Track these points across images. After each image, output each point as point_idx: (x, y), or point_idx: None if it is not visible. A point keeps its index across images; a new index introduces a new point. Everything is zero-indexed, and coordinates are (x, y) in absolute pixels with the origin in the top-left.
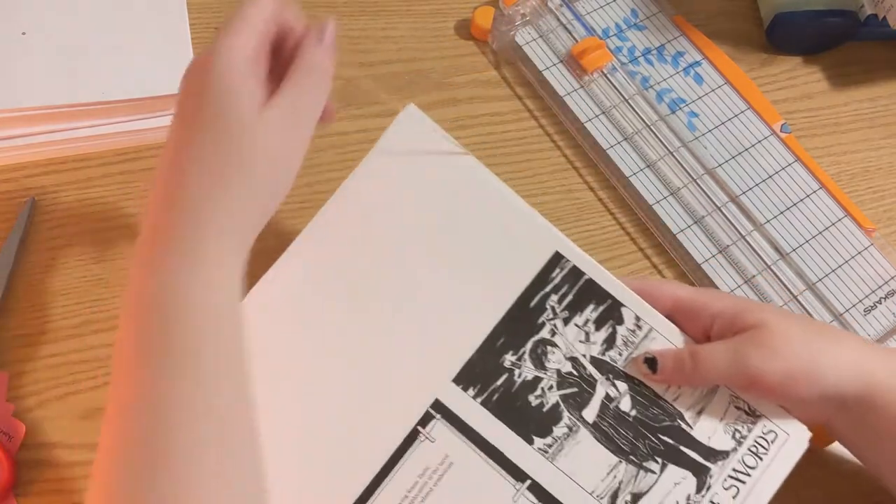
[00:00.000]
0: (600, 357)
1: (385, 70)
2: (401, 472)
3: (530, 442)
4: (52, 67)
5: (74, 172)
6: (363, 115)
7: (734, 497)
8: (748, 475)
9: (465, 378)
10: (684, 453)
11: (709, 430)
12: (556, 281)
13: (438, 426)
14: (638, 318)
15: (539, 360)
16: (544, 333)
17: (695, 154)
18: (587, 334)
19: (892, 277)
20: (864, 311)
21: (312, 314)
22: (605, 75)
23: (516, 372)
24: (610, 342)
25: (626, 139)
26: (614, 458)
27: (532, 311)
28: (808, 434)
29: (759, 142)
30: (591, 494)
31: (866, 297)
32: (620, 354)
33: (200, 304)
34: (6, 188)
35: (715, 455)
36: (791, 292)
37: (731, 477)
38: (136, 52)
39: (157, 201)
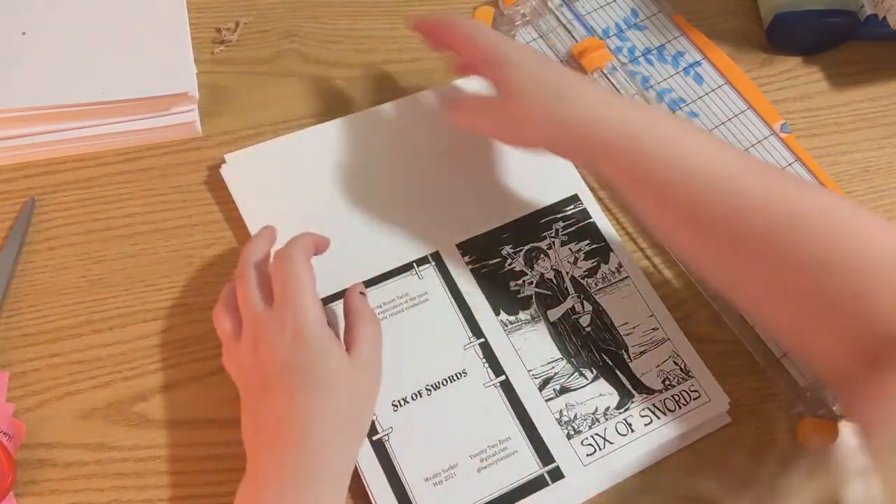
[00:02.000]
0: (579, 279)
1: (385, 70)
2: (387, 286)
3: (497, 313)
4: (52, 67)
5: (74, 172)
6: None
7: (646, 425)
8: (664, 414)
9: (467, 247)
10: (617, 375)
11: (644, 367)
12: (567, 213)
13: (430, 270)
14: (620, 265)
15: (530, 261)
16: (542, 244)
17: None
18: (576, 259)
19: None
20: None
21: (370, 158)
22: (606, 75)
23: (508, 261)
24: (592, 272)
25: None
26: (558, 354)
27: (539, 225)
28: (727, 401)
29: (759, 142)
30: (528, 371)
31: None
32: (596, 284)
33: None
34: (6, 188)
35: (642, 388)
36: None
37: (650, 410)
38: (136, 52)
39: (276, 448)
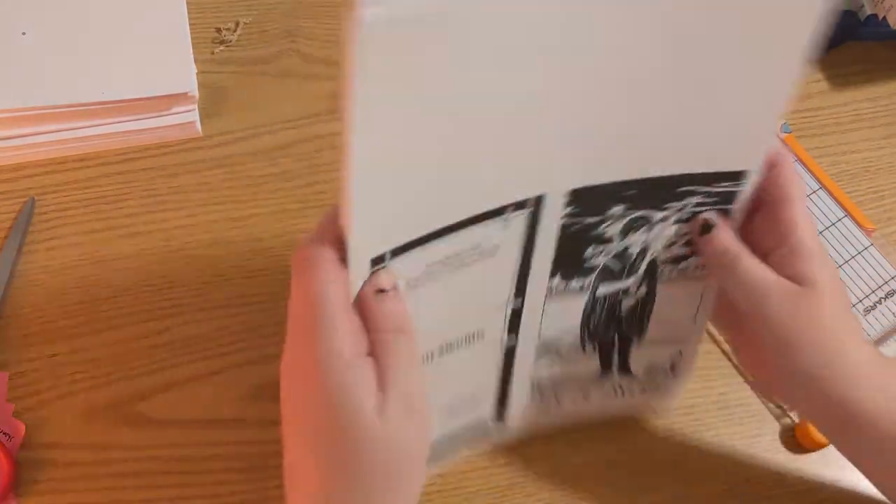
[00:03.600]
0: (659, 263)
1: None
2: (461, 234)
3: (553, 276)
4: (52, 67)
5: (74, 172)
6: None
7: (603, 400)
8: (621, 394)
9: (578, 197)
10: (613, 355)
11: (642, 354)
12: (716, 190)
13: (521, 218)
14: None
15: (627, 229)
16: (658, 215)
17: None
18: (674, 244)
19: (892, 277)
20: (864, 311)
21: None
22: None
23: (607, 223)
24: (677, 260)
25: None
26: (576, 326)
27: (675, 193)
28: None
29: None
30: (538, 336)
31: (866, 297)
32: (670, 273)
33: None
34: (6, 188)
35: (625, 370)
36: None
37: (615, 390)
38: (136, 52)
39: None
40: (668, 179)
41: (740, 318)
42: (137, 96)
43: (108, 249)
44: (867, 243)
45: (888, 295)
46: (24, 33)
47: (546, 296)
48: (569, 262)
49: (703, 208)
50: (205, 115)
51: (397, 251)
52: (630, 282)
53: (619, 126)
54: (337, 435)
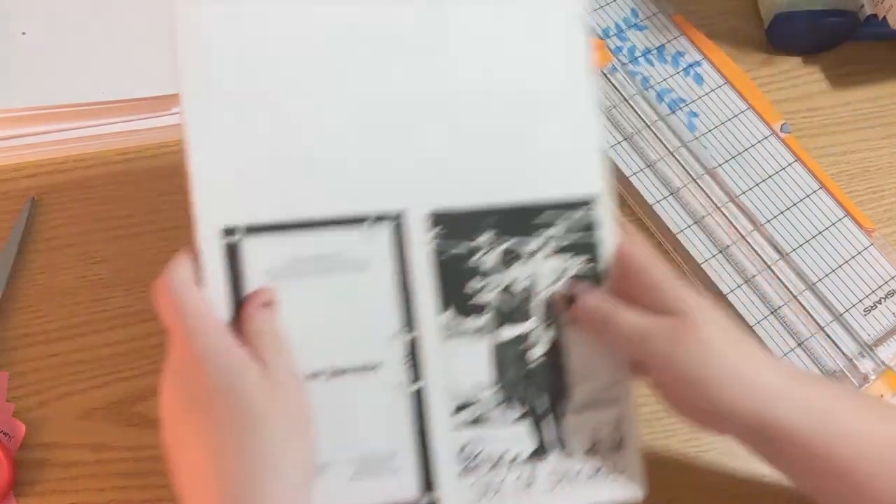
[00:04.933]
0: (552, 302)
1: None
2: (324, 235)
3: (443, 310)
4: (52, 67)
5: (74, 172)
6: None
7: (549, 488)
8: (573, 481)
9: (441, 219)
10: (542, 426)
11: (577, 425)
12: (572, 219)
13: (384, 232)
14: None
15: (505, 261)
16: (528, 246)
17: (695, 154)
18: (559, 278)
19: (892, 277)
20: (864, 311)
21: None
22: (605, 75)
23: (481, 252)
24: (572, 300)
25: (626, 139)
26: (492, 379)
27: (535, 224)
28: (641, 492)
29: (759, 142)
30: (450, 387)
31: (866, 297)
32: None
33: None
34: (6, 188)
35: (564, 446)
36: (791, 292)
37: (560, 473)
38: (135, 52)
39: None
40: (525, 208)
41: (642, 365)
42: (137, 96)
43: (108, 249)
44: (867, 243)
45: (888, 295)
46: (24, 33)
47: (443, 334)
48: (456, 294)
49: (568, 240)
50: None
51: (253, 230)
52: (531, 325)
53: (451, 153)
54: (232, 410)
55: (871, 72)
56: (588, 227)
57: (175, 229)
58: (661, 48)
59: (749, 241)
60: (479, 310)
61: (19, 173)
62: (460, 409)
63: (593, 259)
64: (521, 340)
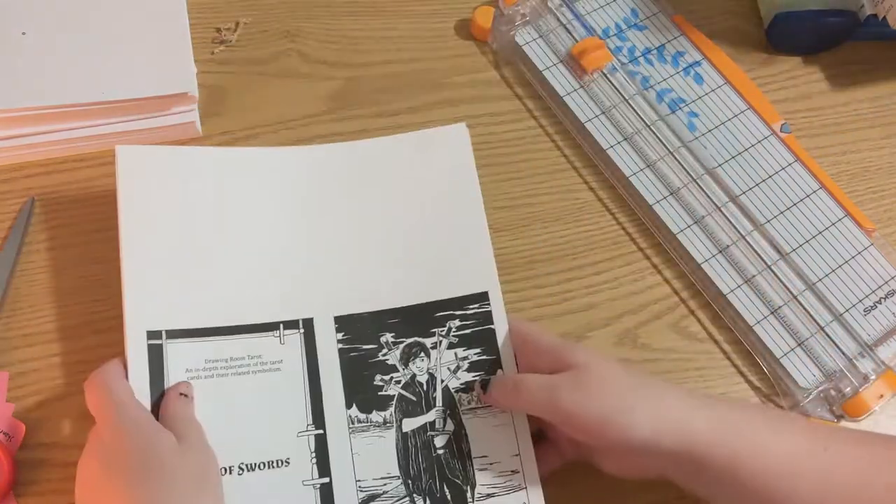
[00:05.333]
0: (453, 391)
1: (385, 70)
2: (241, 340)
3: (349, 406)
4: (52, 67)
5: (74, 172)
6: (363, 116)
7: None
8: None
9: (344, 323)
10: None
11: None
12: (468, 312)
13: (295, 338)
14: None
15: (406, 357)
16: (428, 341)
17: (695, 154)
18: (458, 368)
19: (892, 277)
20: (864, 311)
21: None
22: (605, 75)
23: (383, 351)
24: (470, 387)
25: (625, 139)
26: (396, 470)
27: (433, 319)
28: None
29: (759, 142)
30: (356, 481)
31: (866, 297)
32: (469, 402)
33: None
34: (6, 188)
35: None
36: (791, 292)
37: None
38: (135, 52)
39: None
40: (423, 306)
41: (567, 438)
42: (137, 96)
43: (108, 249)
44: (867, 243)
45: (888, 295)
46: (24, 33)
47: (349, 430)
48: (361, 391)
49: (465, 331)
50: (205, 115)
51: (173, 334)
52: (433, 416)
53: (354, 267)
54: (147, 468)
55: (871, 72)
56: (482, 320)
57: None
58: (661, 48)
59: (749, 241)
60: (383, 404)
61: (19, 173)
62: (367, 501)
63: (489, 347)
64: (424, 430)
